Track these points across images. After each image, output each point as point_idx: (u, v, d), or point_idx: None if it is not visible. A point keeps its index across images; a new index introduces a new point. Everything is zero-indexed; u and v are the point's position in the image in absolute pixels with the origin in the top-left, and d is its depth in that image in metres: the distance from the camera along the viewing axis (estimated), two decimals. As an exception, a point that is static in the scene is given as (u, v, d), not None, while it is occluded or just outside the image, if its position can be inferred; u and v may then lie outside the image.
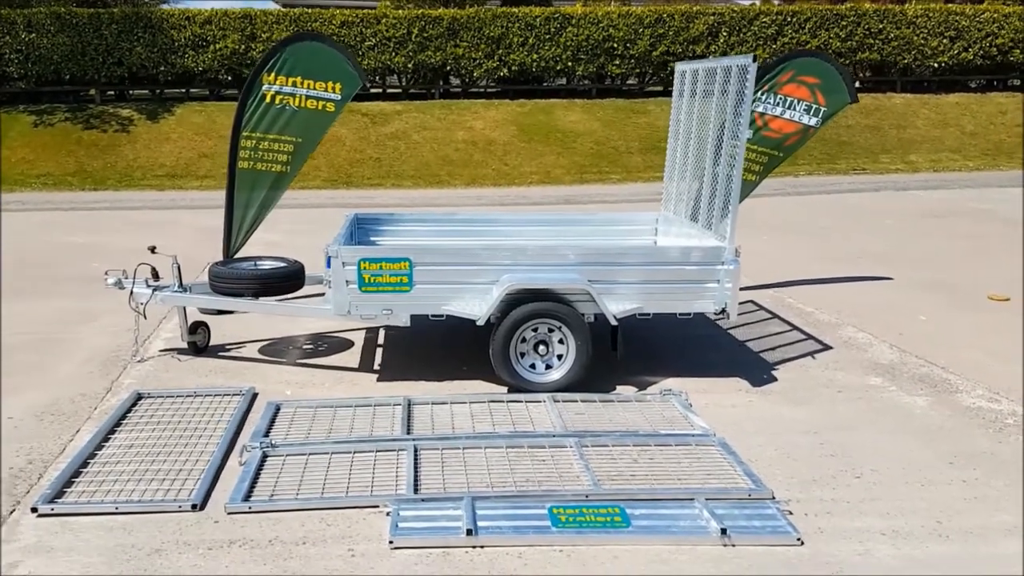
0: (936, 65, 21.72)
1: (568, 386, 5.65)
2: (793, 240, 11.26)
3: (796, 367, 6.26)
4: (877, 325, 7.29)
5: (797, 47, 20.80)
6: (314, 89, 6.85)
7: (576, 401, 5.54)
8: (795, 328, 7.20)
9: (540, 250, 5.78)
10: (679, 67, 7.02)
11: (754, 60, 5.54)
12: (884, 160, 19.09)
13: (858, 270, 9.41)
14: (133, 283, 6.16)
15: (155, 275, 6.24)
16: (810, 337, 6.96)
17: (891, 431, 5.14)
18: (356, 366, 6.32)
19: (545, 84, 21.78)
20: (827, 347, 6.70)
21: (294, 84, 6.82)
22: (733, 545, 3.83)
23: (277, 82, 6.79)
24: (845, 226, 12.40)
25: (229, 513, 4.11)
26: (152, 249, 6.26)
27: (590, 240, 7.28)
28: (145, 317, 6.33)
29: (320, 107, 6.90)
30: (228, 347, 6.66)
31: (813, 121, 7.70)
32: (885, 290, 8.61)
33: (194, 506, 4.13)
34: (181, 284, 6.26)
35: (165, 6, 21.04)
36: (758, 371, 6.14)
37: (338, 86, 6.87)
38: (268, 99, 6.80)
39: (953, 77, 22.22)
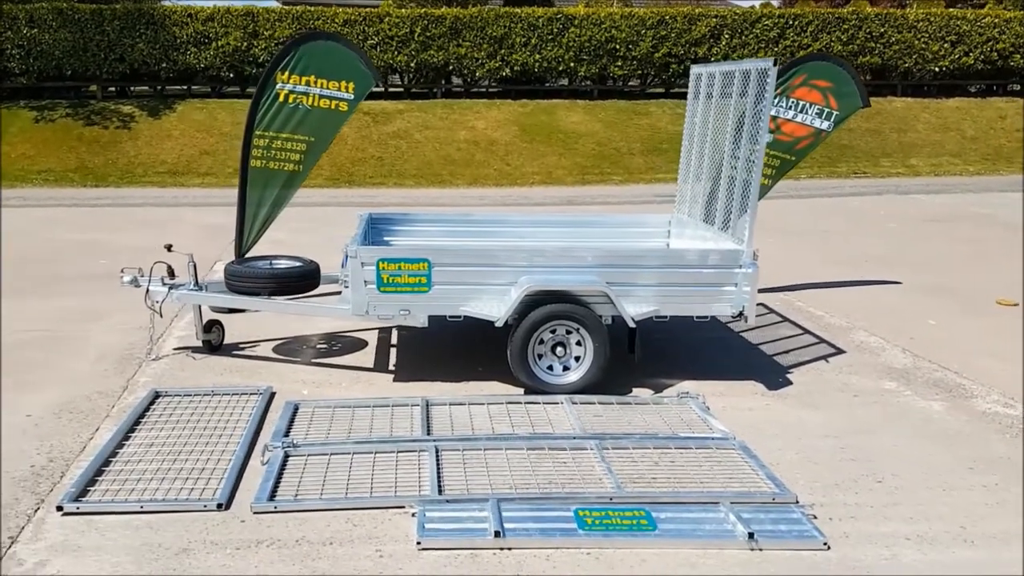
0: (937, 69, 21.80)
1: (585, 388, 5.65)
2: (798, 243, 11.28)
3: (810, 371, 6.28)
4: (887, 329, 7.31)
5: (799, 50, 20.86)
6: (327, 88, 6.84)
7: (594, 403, 5.55)
8: (807, 332, 7.22)
9: (558, 252, 5.79)
10: (695, 69, 7.03)
11: (775, 64, 5.55)
12: (885, 164, 19.15)
13: (864, 274, 9.43)
14: (149, 281, 6.15)
15: (171, 273, 6.23)
16: (822, 341, 6.98)
17: (909, 435, 5.16)
18: (371, 366, 6.32)
19: (547, 85, 21.79)
20: (840, 351, 6.72)
21: (307, 83, 6.80)
22: (760, 549, 3.84)
23: (291, 81, 6.77)
24: (848, 229, 12.44)
25: (255, 513, 4.10)
26: (168, 247, 6.24)
27: (602, 242, 7.29)
28: (161, 315, 6.32)
29: (333, 106, 6.88)
30: (242, 346, 6.65)
31: (825, 125, 7.73)
32: (893, 294, 8.64)
33: (219, 505, 4.12)
34: (197, 282, 6.25)
35: (167, 2, 20.97)
36: (773, 374, 6.15)
37: (351, 85, 6.86)
38: (281, 98, 6.78)
39: (953, 81, 22.29)
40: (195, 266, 6.26)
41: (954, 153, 19.84)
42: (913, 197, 15.72)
